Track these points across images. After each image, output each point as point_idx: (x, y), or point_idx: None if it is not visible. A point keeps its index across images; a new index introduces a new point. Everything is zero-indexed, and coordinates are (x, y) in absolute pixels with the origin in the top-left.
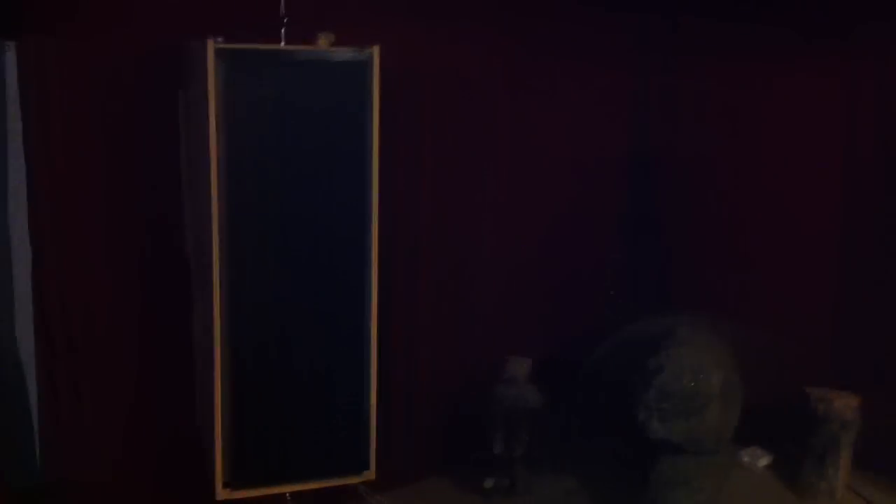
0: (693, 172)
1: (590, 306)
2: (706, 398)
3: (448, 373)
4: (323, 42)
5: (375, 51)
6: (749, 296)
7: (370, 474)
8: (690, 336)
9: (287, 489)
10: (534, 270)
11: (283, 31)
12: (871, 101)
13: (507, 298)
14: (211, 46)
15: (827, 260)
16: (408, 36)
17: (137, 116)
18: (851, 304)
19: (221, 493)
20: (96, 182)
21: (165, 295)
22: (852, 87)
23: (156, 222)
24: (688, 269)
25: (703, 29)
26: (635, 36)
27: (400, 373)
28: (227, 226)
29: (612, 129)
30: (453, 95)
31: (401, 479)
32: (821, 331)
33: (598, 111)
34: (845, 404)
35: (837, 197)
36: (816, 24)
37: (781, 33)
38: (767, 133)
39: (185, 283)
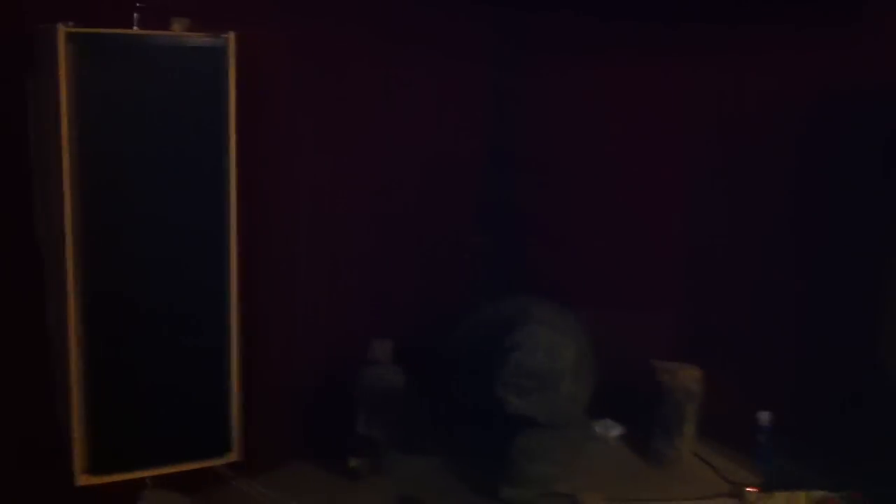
0: (548, 163)
1: (449, 290)
2: (560, 373)
3: (313, 355)
4: (177, 27)
5: (231, 36)
6: (599, 278)
7: (233, 456)
8: (544, 315)
9: (148, 473)
10: (397, 255)
11: (136, 16)
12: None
13: (370, 282)
14: (62, 31)
15: (673, 242)
16: (260, 26)
17: None
18: (695, 284)
19: (81, 479)
20: None
21: (17, 285)
22: (700, 82)
23: (4, 212)
24: (541, 254)
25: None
26: (496, 28)
27: (264, 355)
28: (80, 215)
29: (470, 118)
30: (313, 83)
31: (266, 462)
32: (667, 309)
33: (459, 101)
34: (689, 376)
35: (682, 182)
36: (675, 18)
37: (641, 28)
38: (616, 126)
39: (38, 272)
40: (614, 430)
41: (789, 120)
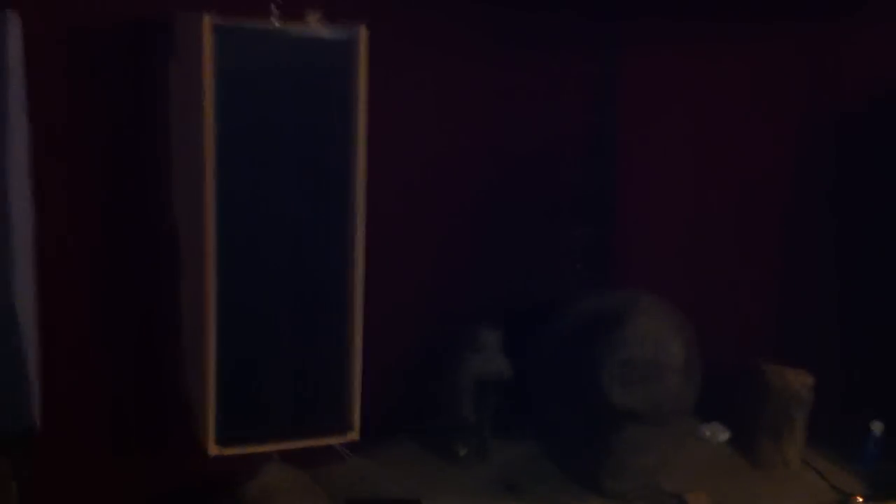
0: (649, 158)
1: (555, 281)
2: (667, 367)
3: (423, 341)
4: (312, 19)
5: (363, 29)
6: (706, 276)
7: (354, 435)
8: (652, 307)
9: (274, 447)
10: (502, 244)
11: (273, 7)
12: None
13: (474, 271)
14: (207, 22)
15: (782, 239)
16: None
17: (122, 88)
18: (802, 285)
19: (213, 449)
20: (85, 153)
21: (154, 263)
22: (764, 73)
23: (145, 194)
24: (639, 248)
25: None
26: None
27: (379, 340)
28: (218, 198)
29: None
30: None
31: (376, 443)
32: (775, 310)
33: (557, 94)
34: (799, 381)
35: (782, 174)
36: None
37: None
38: (713, 120)
39: (174, 251)
40: (723, 434)
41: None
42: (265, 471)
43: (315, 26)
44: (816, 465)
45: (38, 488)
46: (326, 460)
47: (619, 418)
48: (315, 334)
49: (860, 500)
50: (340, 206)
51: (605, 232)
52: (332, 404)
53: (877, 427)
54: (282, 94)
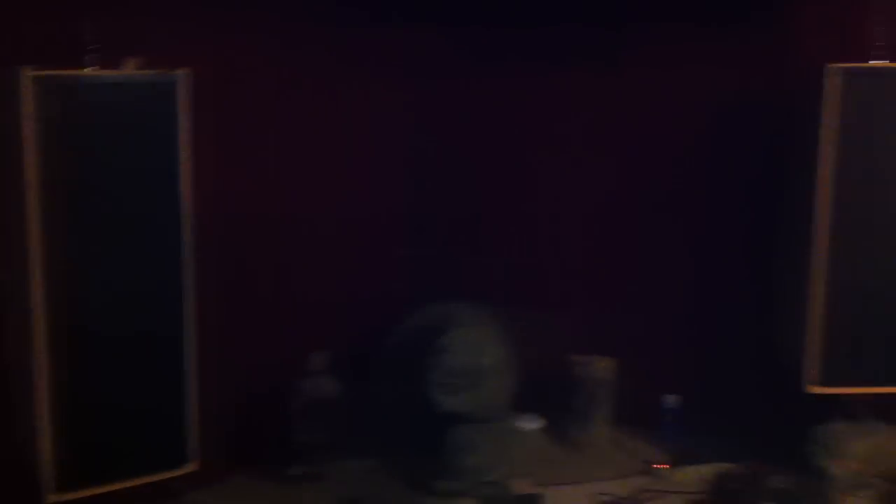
0: (475, 169)
1: (384, 300)
2: (485, 372)
3: (256, 369)
4: (132, 66)
5: (184, 73)
6: (519, 282)
7: (192, 467)
8: (469, 319)
9: (114, 487)
10: (335, 267)
11: (91, 56)
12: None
13: (311, 294)
14: (27, 74)
15: (597, 244)
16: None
17: None
18: (612, 284)
19: (50, 497)
20: None
21: None
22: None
23: None
24: (467, 260)
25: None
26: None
27: (214, 369)
28: (45, 242)
29: (396, 131)
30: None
31: (213, 473)
32: (585, 308)
33: (384, 114)
34: (601, 366)
35: (595, 183)
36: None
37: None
38: (548, 130)
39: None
40: (537, 423)
41: (707, 118)
42: None
43: (135, 72)
44: (623, 441)
45: None
46: (163, 497)
47: (447, 423)
48: (149, 367)
49: (661, 467)
50: (170, 244)
51: (430, 246)
52: (170, 438)
53: (669, 400)
54: (106, 140)
